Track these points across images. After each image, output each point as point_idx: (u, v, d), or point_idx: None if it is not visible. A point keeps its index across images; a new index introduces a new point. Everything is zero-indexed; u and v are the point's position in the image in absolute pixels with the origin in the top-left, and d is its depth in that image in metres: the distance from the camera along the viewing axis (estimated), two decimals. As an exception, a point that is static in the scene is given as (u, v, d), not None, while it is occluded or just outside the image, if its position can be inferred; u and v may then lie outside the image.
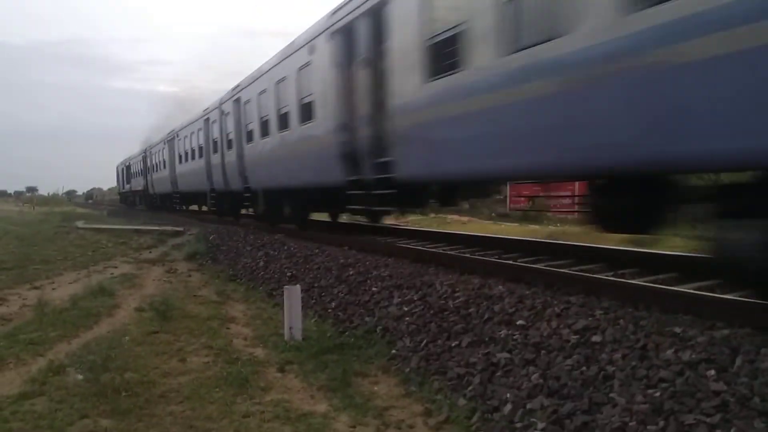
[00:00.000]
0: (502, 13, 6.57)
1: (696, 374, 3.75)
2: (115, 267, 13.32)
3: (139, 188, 41.60)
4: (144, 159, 38.28)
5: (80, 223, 23.98)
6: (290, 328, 6.76)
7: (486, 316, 5.73)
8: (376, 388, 5.30)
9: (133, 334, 7.16)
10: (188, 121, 25.61)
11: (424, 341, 5.89)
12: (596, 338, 4.60)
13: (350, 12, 10.16)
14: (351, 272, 8.82)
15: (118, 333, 7.26)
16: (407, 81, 8.55)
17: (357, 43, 10.12)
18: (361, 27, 9.90)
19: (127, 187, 49.74)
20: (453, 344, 5.57)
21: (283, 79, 13.64)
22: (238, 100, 17.47)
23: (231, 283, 11.11)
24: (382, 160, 9.33)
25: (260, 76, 15.30)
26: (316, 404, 4.99)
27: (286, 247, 12.19)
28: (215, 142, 20.46)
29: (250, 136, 16.36)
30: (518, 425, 4.14)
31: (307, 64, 12.16)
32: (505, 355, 4.97)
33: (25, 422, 4.67)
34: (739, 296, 4.99)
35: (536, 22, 6.27)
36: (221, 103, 19.41)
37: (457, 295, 6.47)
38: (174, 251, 16.12)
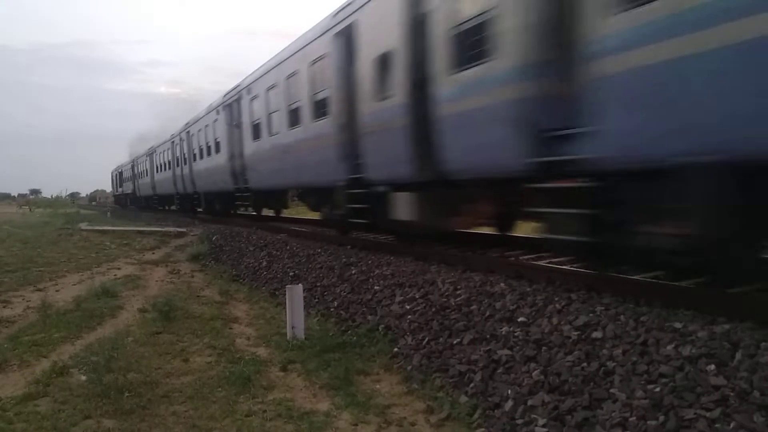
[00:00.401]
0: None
1: (696, 369, 3.75)
2: (119, 268, 13.36)
3: (129, 192, 48.74)
4: (132, 167, 45.87)
5: (83, 225, 24.05)
6: (293, 327, 6.78)
7: (487, 314, 5.75)
8: (378, 386, 5.32)
9: (137, 335, 7.18)
10: (162, 141, 33.43)
11: (426, 339, 5.90)
12: (597, 334, 4.61)
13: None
14: (353, 271, 8.84)
15: (121, 334, 7.29)
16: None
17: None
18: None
19: (120, 190, 57.03)
20: (455, 342, 5.58)
21: (226, 108, 18.99)
22: (188, 132, 25.38)
23: (234, 284, 11.14)
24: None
25: (205, 114, 22.12)
26: (318, 403, 5.01)
27: (288, 247, 12.22)
28: (178, 159, 28.03)
29: (200, 155, 23.28)
30: (519, 422, 4.15)
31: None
32: (507, 352, 4.98)
33: (28, 423, 4.70)
34: (740, 291, 4.99)
35: None
36: (179, 132, 27.10)
37: (458, 292, 6.49)
38: (177, 252, 16.16)
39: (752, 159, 4.21)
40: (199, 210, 26.17)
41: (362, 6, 9.62)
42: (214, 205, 23.41)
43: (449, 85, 7.51)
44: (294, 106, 12.91)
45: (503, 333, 5.27)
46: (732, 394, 3.43)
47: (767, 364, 3.55)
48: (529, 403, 4.26)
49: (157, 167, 34.55)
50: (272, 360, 6.14)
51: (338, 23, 10.50)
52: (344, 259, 9.56)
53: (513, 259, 7.84)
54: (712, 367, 3.70)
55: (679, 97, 4.58)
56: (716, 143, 4.36)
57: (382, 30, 8.89)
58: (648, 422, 3.54)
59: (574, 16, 5.49)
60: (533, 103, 6.04)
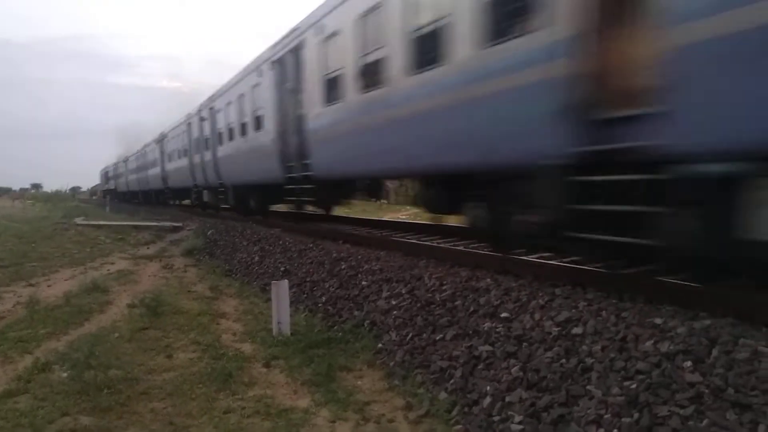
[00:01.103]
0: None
1: (673, 366, 3.72)
2: (112, 263, 13.33)
3: (113, 188, 59.96)
4: (115, 168, 58.21)
5: (79, 220, 24.02)
6: (279, 323, 6.75)
7: (471, 309, 5.71)
8: (359, 383, 5.29)
9: (123, 331, 7.16)
10: (134, 151, 40.61)
11: (410, 335, 5.87)
12: (577, 330, 4.57)
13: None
14: (343, 266, 8.80)
15: (107, 330, 7.26)
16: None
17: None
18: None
19: (106, 186, 68.77)
20: (437, 338, 5.55)
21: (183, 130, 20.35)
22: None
23: (226, 278, 11.12)
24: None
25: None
26: (298, 399, 4.98)
27: (281, 242, 12.18)
28: (146, 163, 34.87)
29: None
30: (496, 418, 4.12)
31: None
32: (488, 348, 4.94)
33: (6, 420, 4.67)
34: (722, 285, 4.95)
35: None
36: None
37: (444, 288, 6.45)
38: (172, 247, 16.14)
39: None
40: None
41: None
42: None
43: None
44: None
45: (486, 329, 5.23)
46: (707, 391, 3.40)
47: (743, 360, 3.51)
48: (507, 399, 4.23)
49: (130, 170, 40.55)
50: (256, 356, 6.11)
51: None
52: (335, 254, 9.52)
53: (501, 254, 7.78)
54: (689, 363, 3.66)
55: None
56: None
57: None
58: (622, 419, 3.51)
59: None
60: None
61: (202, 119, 21.15)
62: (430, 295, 6.41)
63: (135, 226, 21.43)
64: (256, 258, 11.74)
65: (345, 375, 5.47)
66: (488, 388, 4.46)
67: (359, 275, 8.08)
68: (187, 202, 29.01)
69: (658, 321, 4.29)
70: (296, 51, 12.21)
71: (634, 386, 3.69)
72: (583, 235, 5.13)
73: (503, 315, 5.33)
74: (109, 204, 40.84)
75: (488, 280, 6.26)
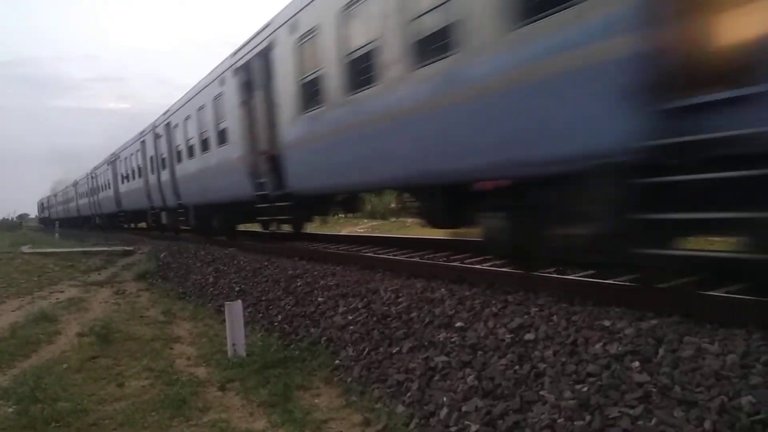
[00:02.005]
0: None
1: (622, 367, 3.78)
2: (62, 291, 12.95)
3: (47, 215, 72.45)
4: (51, 199, 67.97)
5: (26, 248, 23.28)
6: (233, 344, 6.63)
7: (427, 320, 5.71)
8: (317, 401, 5.23)
9: (72, 361, 6.93)
10: (68, 181, 48.31)
11: (367, 349, 5.83)
12: (530, 336, 4.61)
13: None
14: (299, 283, 8.72)
15: (55, 361, 7.04)
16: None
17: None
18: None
19: (44, 214, 77.76)
20: (394, 351, 5.53)
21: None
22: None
23: (180, 302, 10.89)
24: None
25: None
26: (255, 421, 4.89)
27: (236, 261, 12.02)
28: (97, 186, 34.54)
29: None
30: (453, 429, 4.11)
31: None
32: (444, 358, 4.95)
33: (-53, 462, 4.47)
34: (668, 286, 5.07)
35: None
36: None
37: (400, 300, 6.44)
38: (124, 271, 15.77)
39: None
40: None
41: None
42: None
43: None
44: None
45: (441, 339, 5.24)
46: (654, 390, 3.46)
47: (688, 358, 3.60)
48: (463, 409, 4.23)
49: (63, 200, 46.73)
50: (211, 380, 5.99)
51: None
52: (290, 272, 9.43)
53: (457, 263, 7.82)
54: (637, 364, 3.73)
55: None
56: None
57: None
58: (575, 423, 3.54)
59: None
60: None
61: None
62: (386, 308, 6.39)
63: (85, 252, 20.89)
64: (211, 279, 11.55)
65: (302, 394, 5.40)
66: (445, 398, 4.46)
67: (315, 291, 8.02)
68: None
69: (606, 323, 4.37)
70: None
71: (585, 389, 3.74)
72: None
73: (458, 324, 5.35)
74: (58, 231, 39.82)
75: (443, 290, 6.28)
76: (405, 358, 5.33)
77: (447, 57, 6.30)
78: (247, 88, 12.23)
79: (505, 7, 5.48)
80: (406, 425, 4.43)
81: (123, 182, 26.95)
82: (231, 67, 12.92)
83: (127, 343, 7.64)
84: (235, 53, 12.95)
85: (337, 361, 5.97)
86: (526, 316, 4.95)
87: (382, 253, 9.86)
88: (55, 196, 58.49)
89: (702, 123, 4.02)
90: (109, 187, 30.23)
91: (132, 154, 24.44)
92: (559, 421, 3.62)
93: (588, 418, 3.52)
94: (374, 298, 6.82)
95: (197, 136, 15.81)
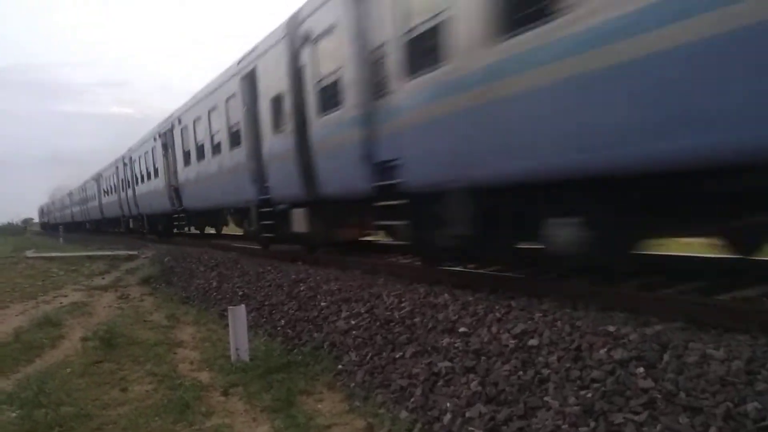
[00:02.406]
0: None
1: (626, 372, 3.76)
2: (65, 296, 12.96)
3: (46, 220, 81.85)
4: (50, 206, 76.91)
5: (30, 253, 23.33)
6: (237, 349, 6.62)
7: (430, 325, 5.70)
8: (320, 406, 5.21)
9: (75, 366, 6.94)
10: (64, 189, 58.10)
11: (370, 354, 5.82)
12: (533, 341, 4.60)
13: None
14: (302, 288, 8.72)
15: (59, 365, 7.04)
16: None
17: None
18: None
19: (44, 219, 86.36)
20: (397, 356, 5.52)
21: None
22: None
23: (183, 306, 10.90)
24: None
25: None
26: (257, 426, 4.89)
27: (239, 266, 12.03)
28: (75, 201, 48.03)
29: (91, 199, 34.54)
30: (457, 435, 4.10)
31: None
32: (447, 363, 4.93)
33: (-50, 467, 4.47)
34: (674, 291, 5.07)
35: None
36: (71, 191, 44.91)
37: (403, 305, 6.43)
38: (127, 276, 15.79)
39: None
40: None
41: None
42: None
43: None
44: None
45: (444, 344, 5.23)
46: (659, 396, 3.44)
47: (693, 364, 3.58)
48: (467, 415, 4.21)
49: (62, 207, 58.58)
50: (214, 384, 5.98)
51: None
52: (293, 276, 9.43)
53: (459, 268, 7.81)
54: (642, 369, 3.71)
55: None
56: None
57: None
58: (579, 429, 3.53)
59: None
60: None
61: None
62: (389, 313, 6.38)
63: (89, 257, 20.92)
64: (214, 283, 11.56)
65: (305, 399, 5.39)
66: (448, 404, 4.44)
67: (318, 296, 8.02)
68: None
69: (611, 328, 4.35)
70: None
71: (589, 395, 3.73)
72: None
73: (461, 330, 5.33)
74: (63, 235, 40.00)
75: (446, 295, 6.27)
76: (408, 363, 5.31)
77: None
78: (164, 148, 20.27)
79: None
80: (410, 431, 4.42)
81: (105, 195, 35.49)
82: (156, 133, 21.39)
83: (130, 348, 7.64)
84: (160, 124, 21.25)
85: (340, 366, 5.96)
86: (529, 322, 4.94)
87: (385, 258, 9.84)
88: (53, 203, 72.02)
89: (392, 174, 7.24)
90: (95, 199, 38.91)
91: (109, 176, 32.97)
92: (563, 427, 3.61)
93: (592, 424, 3.50)
94: (377, 303, 6.81)
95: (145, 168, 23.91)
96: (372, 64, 7.83)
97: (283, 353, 6.70)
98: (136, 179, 25.52)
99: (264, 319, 8.32)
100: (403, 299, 6.56)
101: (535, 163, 5.31)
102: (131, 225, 29.99)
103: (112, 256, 20.15)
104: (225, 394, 5.69)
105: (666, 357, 3.75)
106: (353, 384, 5.50)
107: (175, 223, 21.50)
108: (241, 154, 12.94)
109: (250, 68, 12.08)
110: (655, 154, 4.27)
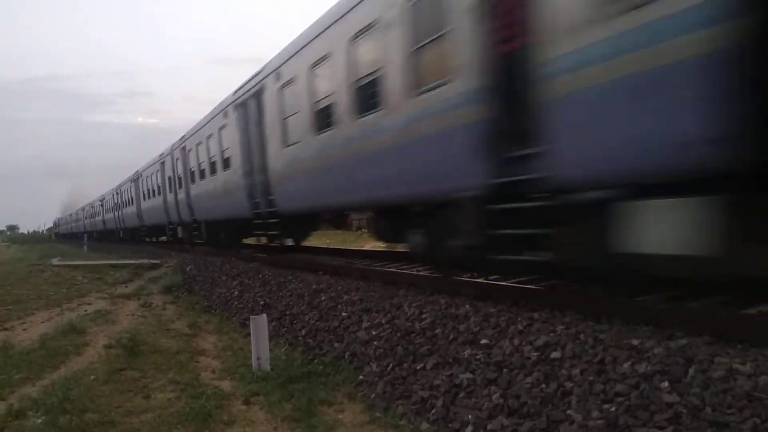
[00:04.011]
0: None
1: (651, 387, 3.73)
2: (89, 303, 13.11)
3: (57, 231, 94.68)
4: (66, 217, 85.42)
5: (55, 260, 23.68)
6: (258, 358, 6.66)
7: (451, 337, 5.70)
8: (341, 416, 5.22)
9: (99, 373, 7.01)
10: (77, 206, 70.14)
11: (391, 365, 5.82)
12: (556, 354, 4.57)
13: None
14: (323, 297, 8.75)
15: (83, 372, 7.12)
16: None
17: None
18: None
19: (57, 230, 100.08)
20: (418, 367, 5.52)
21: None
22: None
23: (205, 315, 10.98)
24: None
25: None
26: (278, 436, 4.90)
27: (260, 276, 12.11)
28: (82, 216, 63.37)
29: (96, 215, 47.59)
30: (478, 447, 4.08)
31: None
32: (468, 375, 4.92)
33: (-23, 471, 4.54)
34: (700, 304, 5.00)
35: None
36: (83, 207, 53.92)
37: (424, 316, 6.43)
38: (150, 284, 15.94)
39: None
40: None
41: None
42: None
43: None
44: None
45: (466, 356, 5.21)
46: (684, 411, 3.40)
47: (719, 379, 3.54)
48: (489, 427, 4.19)
49: (74, 220, 67.70)
50: (236, 393, 6.01)
51: None
52: (314, 286, 9.48)
53: (481, 279, 7.79)
54: (666, 384, 3.68)
55: None
56: None
57: None
58: (603, 443, 3.50)
59: None
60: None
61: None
62: (410, 323, 6.39)
63: (113, 265, 21.17)
64: (236, 292, 11.64)
65: (326, 409, 5.39)
66: (470, 416, 4.43)
67: (339, 306, 8.04)
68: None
69: (635, 342, 4.31)
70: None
71: (613, 409, 3.69)
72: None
73: (483, 341, 5.32)
74: (87, 243, 40.57)
75: (467, 306, 6.26)
76: (429, 374, 5.31)
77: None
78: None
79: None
80: (431, 442, 4.41)
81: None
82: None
83: (153, 356, 7.71)
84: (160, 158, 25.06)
85: (360, 377, 5.96)
86: (552, 334, 4.91)
87: (405, 269, 9.84)
88: (64, 217, 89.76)
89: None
90: (98, 215, 50.02)
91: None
92: (586, 441, 3.58)
93: (616, 438, 3.47)
94: (398, 314, 6.82)
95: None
96: (247, 146, 14.19)
97: (303, 363, 6.72)
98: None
99: (285, 329, 8.36)
100: (424, 310, 6.56)
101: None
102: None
103: (136, 265, 20.36)
104: (246, 403, 5.71)
105: (691, 371, 3.71)
106: (374, 395, 5.50)
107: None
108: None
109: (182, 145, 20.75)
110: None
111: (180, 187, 21.92)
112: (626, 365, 4.05)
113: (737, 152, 3.91)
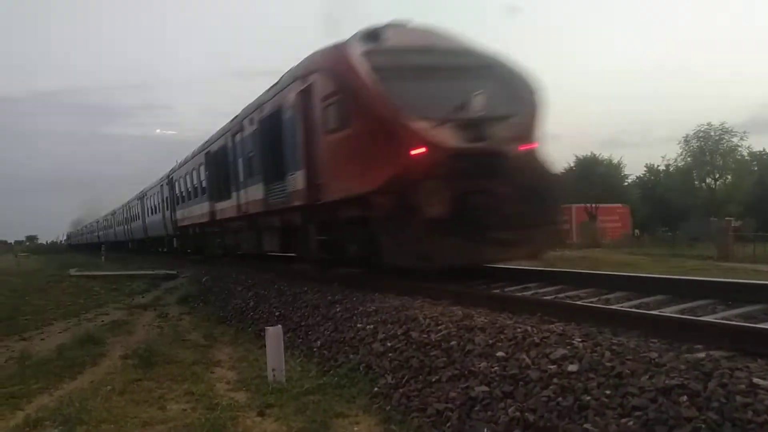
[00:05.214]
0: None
1: (669, 401, 3.67)
2: (107, 314, 13.24)
3: (69, 242, 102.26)
4: (76, 230, 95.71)
5: (73, 271, 23.93)
6: (273, 369, 6.66)
7: (467, 349, 5.66)
8: (356, 429, 5.20)
9: (116, 383, 7.04)
10: (90, 219, 76.73)
11: (406, 377, 5.80)
12: (573, 367, 4.52)
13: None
14: (338, 309, 8.74)
15: (100, 383, 7.16)
16: None
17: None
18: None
19: (69, 242, 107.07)
20: (433, 379, 5.48)
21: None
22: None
23: (220, 326, 11.02)
24: None
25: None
26: (293, 449, 4.89)
27: (276, 286, 12.13)
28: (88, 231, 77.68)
29: (101, 230, 61.32)
30: (494, 461, 4.05)
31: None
32: (484, 388, 4.88)
33: (-5, 481, 4.57)
34: (717, 319, 4.95)
35: None
36: (91, 223, 59.54)
37: (440, 328, 6.40)
38: (167, 295, 16.07)
39: None
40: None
41: None
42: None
43: None
44: None
45: (481, 369, 5.17)
46: (704, 426, 3.35)
47: (739, 393, 3.48)
48: None
49: (87, 232, 75.76)
50: (250, 405, 6.01)
51: None
52: (329, 297, 9.47)
53: (498, 291, 7.77)
54: (685, 398, 3.62)
55: None
56: None
57: None
58: (621, 458, 3.45)
59: None
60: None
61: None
62: (425, 335, 6.35)
63: (130, 276, 21.35)
64: (251, 303, 11.67)
65: (340, 421, 5.37)
66: (486, 429, 4.39)
67: (354, 317, 8.02)
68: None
69: (653, 355, 4.26)
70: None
71: (631, 423, 3.65)
72: None
73: (499, 354, 5.28)
74: (104, 254, 40.99)
75: (483, 318, 6.23)
76: (445, 387, 5.27)
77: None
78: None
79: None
80: (446, 456, 4.37)
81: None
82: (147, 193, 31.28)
83: (169, 367, 7.73)
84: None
85: (376, 389, 5.93)
86: (569, 347, 4.87)
87: (420, 281, 9.80)
88: (74, 231, 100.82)
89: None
90: (110, 228, 53.04)
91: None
92: (604, 455, 3.53)
93: (634, 453, 3.42)
94: (413, 326, 6.79)
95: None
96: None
97: (319, 374, 6.72)
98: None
99: (300, 340, 8.36)
100: (439, 322, 6.52)
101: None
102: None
103: (153, 276, 20.53)
104: (261, 414, 5.70)
105: (711, 385, 3.66)
106: (389, 407, 5.47)
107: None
108: None
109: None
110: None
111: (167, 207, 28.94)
112: (644, 379, 4.00)
113: None
